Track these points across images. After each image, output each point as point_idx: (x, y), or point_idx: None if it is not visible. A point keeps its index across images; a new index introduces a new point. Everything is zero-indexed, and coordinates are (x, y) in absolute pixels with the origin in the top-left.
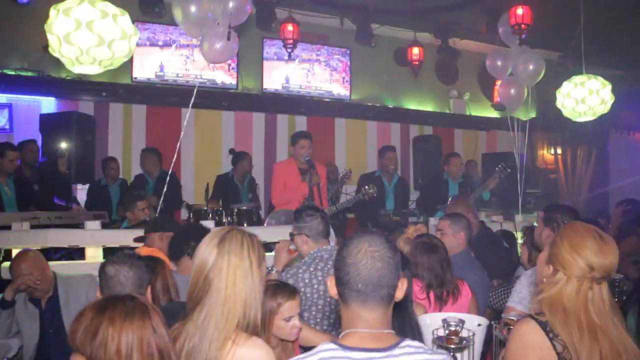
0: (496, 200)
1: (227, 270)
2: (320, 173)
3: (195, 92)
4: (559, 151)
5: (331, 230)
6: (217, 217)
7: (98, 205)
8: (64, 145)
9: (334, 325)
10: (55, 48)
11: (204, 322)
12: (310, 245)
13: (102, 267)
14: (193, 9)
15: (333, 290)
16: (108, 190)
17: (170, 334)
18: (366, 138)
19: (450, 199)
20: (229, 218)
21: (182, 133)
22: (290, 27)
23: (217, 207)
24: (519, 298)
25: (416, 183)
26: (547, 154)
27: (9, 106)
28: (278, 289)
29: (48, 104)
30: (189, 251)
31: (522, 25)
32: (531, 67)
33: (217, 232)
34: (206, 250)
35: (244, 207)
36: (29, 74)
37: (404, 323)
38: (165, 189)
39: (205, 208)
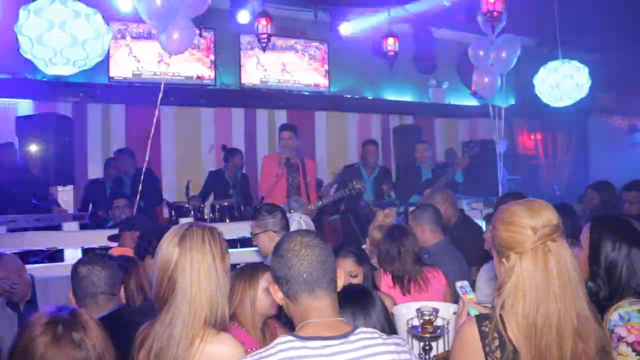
0: (474, 187)
1: (191, 268)
2: (308, 168)
3: (162, 87)
4: (539, 137)
5: (311, 223)
6: (198, 214)
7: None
8: (36, 148)
9: None
10: (27, 49)
11: (172, 322)
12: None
13: (74, 268)
14: (157, 2)
15: (278, 295)
16: (105, 188)
17: (138, 335)
18: (346, 130)
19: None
20: (210, 214)
21: (152, 131)
22: (264, 22)
23: (198, 204)
24: (484, 295)
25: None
26: (528, 140)
27: None
28: (258, 264)
29: (25, 107)
30: (150, 250)
31: (495, 13)
32: (504, 54)
33: (177, 229)
34: (167, 249)
35: (225, 203)
36: (4, 76)
37: (369, 317)
38: (140, 187)
39: (187, 205)
